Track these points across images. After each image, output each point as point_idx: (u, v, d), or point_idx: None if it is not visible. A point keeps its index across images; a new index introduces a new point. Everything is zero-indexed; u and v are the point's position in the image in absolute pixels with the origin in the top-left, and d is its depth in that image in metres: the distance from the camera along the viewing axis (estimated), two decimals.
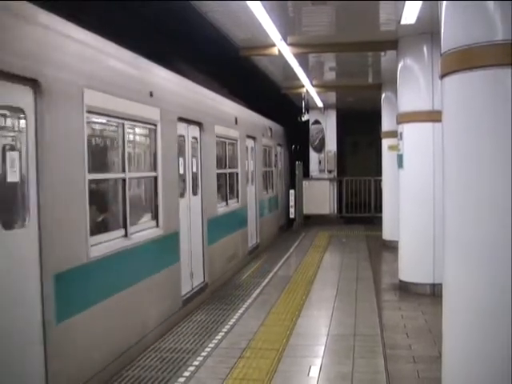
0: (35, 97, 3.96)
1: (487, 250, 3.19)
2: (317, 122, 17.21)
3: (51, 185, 4.09)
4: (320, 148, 17.21)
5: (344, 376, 4.79)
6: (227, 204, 9.63)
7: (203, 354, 5.38)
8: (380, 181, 13.69)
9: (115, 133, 5.53)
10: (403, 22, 6.87)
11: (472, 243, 3.26)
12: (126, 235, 5.46)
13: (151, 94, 6.03)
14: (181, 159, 7.14)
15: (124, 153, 5.50)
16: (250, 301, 7.39)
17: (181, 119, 7.06)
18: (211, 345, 5.63)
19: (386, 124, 12.31)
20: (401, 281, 8.13)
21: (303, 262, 10.40)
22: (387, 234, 12.18)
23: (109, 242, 5.10)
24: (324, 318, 6.63)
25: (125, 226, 5.47)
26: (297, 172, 15.96)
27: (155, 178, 6.23)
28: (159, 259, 6.23)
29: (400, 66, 8.26)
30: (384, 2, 6.68)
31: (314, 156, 17.25)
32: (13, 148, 3.79)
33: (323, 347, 5.56)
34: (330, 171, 17.07)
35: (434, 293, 7.39)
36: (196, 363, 5.14)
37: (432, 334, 5.87)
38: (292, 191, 15.81)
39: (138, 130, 6.12)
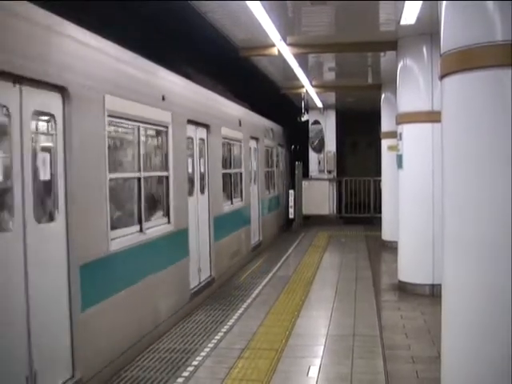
0: (63, 103, 4.31)
1: (487, 250, 3.19)
2: (316, 122, 17.21)
3: (77, 183, 4.43)
4: (319, 148, 17.21)
5: (343, 376, 4.80)
6: (232, 203, 9.96)
7: (202, 354, 5.39)
8: (379, 181, 13.69)
9: (131, 135, 5.87)
10: (403, 22, 6.87)
11: (471, 243, 3.26)
12: (141, 230, 5.80)
13: (163, 98, 6.36)
14: (189, 159, 7.47)
15: (139, 153, 5.83)
16: (249, 301, 7.40)
17: (190, 121, 7.37)
18: (210, 345, 5.63)
19: (386, 124, 12.30)
20: (400, 281, 8.13)
21: (302, 262, 10.39)
22: (386, 234, 12.17)
23: (126, 237, 5.44)
24: (323, 319, 6.63)
25: (140, 222, 5.81)
26: (296, 172, 15.96)
27: (167, 178, 6.57)
28: (170, 254, 6.57)
29: (400, 66, 8.26)
30: (384, 2, 6.67)
31: (313, 156, 17.25)
32: (44, 149, 4.17)
33: (322, 347, 5.56)
34: (329, 171, 17.07)
35: (434, 293, 7.38)
36: (195, 363, 5.14)
37: (431, 334, 5.87)
38: (291, 191, 15.80)
39: (151, 132, 6.43)
